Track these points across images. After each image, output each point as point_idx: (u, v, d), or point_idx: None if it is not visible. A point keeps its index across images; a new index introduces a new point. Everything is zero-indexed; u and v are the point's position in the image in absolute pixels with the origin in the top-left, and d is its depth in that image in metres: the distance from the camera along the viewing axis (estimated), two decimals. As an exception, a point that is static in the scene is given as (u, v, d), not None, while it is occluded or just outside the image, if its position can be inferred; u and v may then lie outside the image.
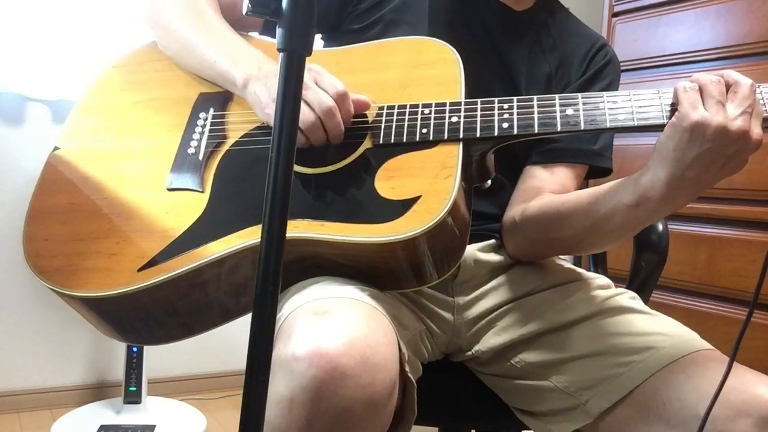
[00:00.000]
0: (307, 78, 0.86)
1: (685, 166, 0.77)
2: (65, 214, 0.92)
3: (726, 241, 1.79)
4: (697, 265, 1.86)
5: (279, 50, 0.55)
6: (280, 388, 0.68)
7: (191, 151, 0.93)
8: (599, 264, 1.21)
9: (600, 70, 1.07)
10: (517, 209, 1.00)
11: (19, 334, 2.10)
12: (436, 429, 1.21)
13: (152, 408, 2.10)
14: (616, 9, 2.14)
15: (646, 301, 1.09)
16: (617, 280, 1.04)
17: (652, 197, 0.80)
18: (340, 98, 0.86)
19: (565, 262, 1.06)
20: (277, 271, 0.54)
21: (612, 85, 1.07)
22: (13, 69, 1.98)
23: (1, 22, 1.94)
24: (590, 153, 1.04)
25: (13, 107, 2.05)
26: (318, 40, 1.10)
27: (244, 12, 0.58)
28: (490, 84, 1.03)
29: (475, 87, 0.92)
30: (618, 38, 2.11)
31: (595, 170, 1.07)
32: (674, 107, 0.78)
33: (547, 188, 1.01)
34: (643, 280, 1.11)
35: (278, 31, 0.55)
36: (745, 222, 1.77)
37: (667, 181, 0.78)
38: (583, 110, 0.84)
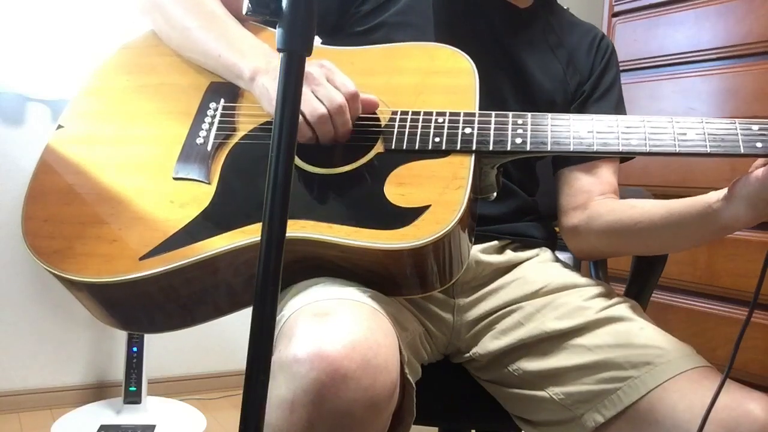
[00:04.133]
0: (319, 74, 0.86)
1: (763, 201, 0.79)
2: (67, 195, 0.90)
3: (726, 241, 1.79)
4: (697, 265, 1.86)
5: (279, 50, 0.55)
6: (281, 390, 0.68)
7: (200, 141, 0.92)
8: (600, 265, 1.21)
9: (607, 62, 1.10)
10: (575, 217, 1.04)
11: (19, 334, 2.10)
12: (436, 429, 1.21)
13: (152, 408, 2.10)
14: (616, 9, 2.14)
15: (646, 302, 1.09)
16: (617, 281, 1.04)
17: (734, 228, 0.84)
18: (351, 98, 0.86)
19: (568, 265, 1.06)
20: (277, 271, 0.54)
21: (618, 75, 1.11)
22: (13, 69, 1.98)
23: (1, 22, 1.94)
24: None
25: (13, 107, 2.05)
26: (317, 44, 1.10)
27: (244, 12, 0.58)
28: (501, 84, 1.03)
29: (485, 88, 0.92)
30: (618, 38, 2.11)
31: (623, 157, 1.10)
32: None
33: (596, 191, 1.04)
34: (643, 280, 1.11)
35: (278, 31, 0.55)
36: (745, 222, 1.77)
37: (752, 219, 0.82)
38: (597, 132, 0.85)
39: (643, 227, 0.93)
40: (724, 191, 0.84)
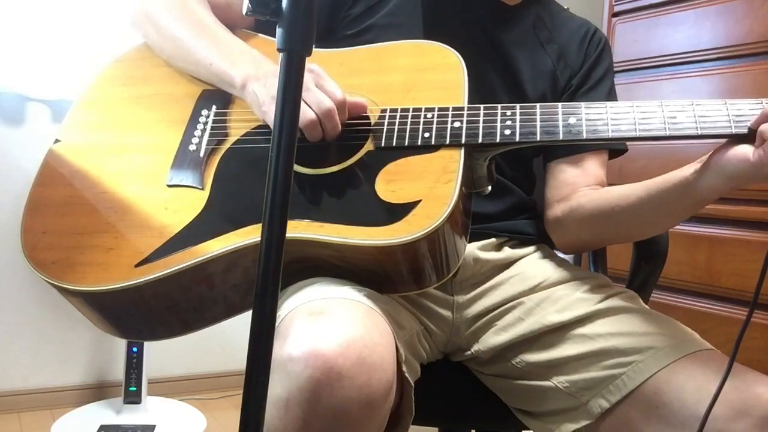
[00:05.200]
0: (308, 80, 0.86)
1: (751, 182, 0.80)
2: (63, 207, 0.91)
3: (726, 241, 1.79)
4: (697, 265, 1.86)
5: (279, 50, 0.55)
6: (276, 389, 0.68)
7: (192, 148, 0.93)
8: (599, 264, 1.21)
9: (599, 55, 1.10)
10: (558, 208, 1.03)
11: (19, 334, 2.10)
12: (436, 429, 1.21)
13: (152, 408, 2.10)
14: (616, 9, 2.14)
15: (645, 301, 1.09)
16: (617, 280, 1.04)
17: (711, 199, 0.84)
18: (339, 105, 0.86)
19: (566, 261, 1.06)
20: (277, 271, 0.54)
21: (610, 67, 1.11)
22: (13, 69, 1.98)
23: (1, 22, 1.94)
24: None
25: (13, 107, 2.05)
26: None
27: (244, 12, 0.58)
28: (492, 81, 1.03)
29: (476, 86, 0.92)
30: (618, 38, 2.11)
31: (612, 151, 1.10)
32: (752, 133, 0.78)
33: (581, 183, 1.04)
34: (642, 280, 1.11)
35: (278, 31, 0.56)
36: (745, 222, 1.77)
37: (729, 190, 0.82)
38: (586, 120, 0.84)
39: (621, 209, 0.93)
40: (701, 162, 0.83)
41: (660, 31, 2.00)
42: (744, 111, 0.80)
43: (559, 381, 0.91)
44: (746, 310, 0.77)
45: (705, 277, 1.84)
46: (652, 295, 1.13)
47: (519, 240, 1.05)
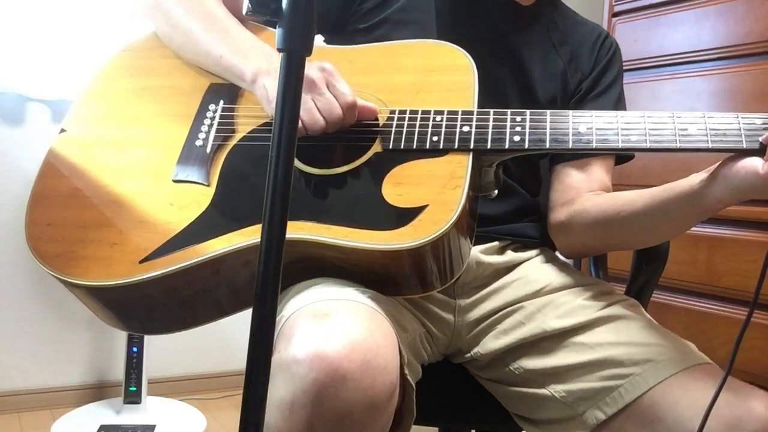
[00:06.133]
0: (320, 79, 0.86)
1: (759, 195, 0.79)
2: (69, 199, 0.91)
3: (726, 241, 1.79)
4: (697, 265, 1.86)
5: (279, 50, 0.55)
6: (280, 391, 0.68)
7: (199, 143, 0.93)
8: (600, 266, 1.21)
9: (610, 60, 1.10)
10: (562, 212, 1.03)
11: (19, 334, 2.10)
12: (436, 429, 1.21)
13: (152, 408, 2.10)
14: (616, 9, 2.14)
15: (646, 302, 1.09)
16: (617, 281, 1.04)
17: (717, 209, 0.84)
18: (348, 108, 0.86)
19: (568, 265, 1.06)
20: (277, 271, 0.54)
21: (620, 73, 1.11)
22: (13, 69, 1.98)
23: (1, 22, 1.94)
24: None
25: (13, 107, 2.05)
26: (320, 41, 1.10)
27: (244, 12, 0.59)
28: (502, 81, 1.03)
29: (486, 85, 0.92)
30: (618, 38, 2.10)
31: (619, 157, 1.09)
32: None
33: (585, 188, 1.03)
34: (643, 281, 1.11)
35: (278, 31, 0.56)
36: (745, 222, 1.77)
37: (735, 202, 0.81)
38: (596, 129, 0.84)
39: (626, 215, 0.93)
40: (707, 172, 0.83)
41: (660, 31, 2.00)
42: (756, 125, 0.79)
43: (555, 390, 0.91)
44: (746, 310, 0.77)
45: (705, 277, 1.84)
46: (652, 295, 1.13)
47: (522, 243, 1.04)
